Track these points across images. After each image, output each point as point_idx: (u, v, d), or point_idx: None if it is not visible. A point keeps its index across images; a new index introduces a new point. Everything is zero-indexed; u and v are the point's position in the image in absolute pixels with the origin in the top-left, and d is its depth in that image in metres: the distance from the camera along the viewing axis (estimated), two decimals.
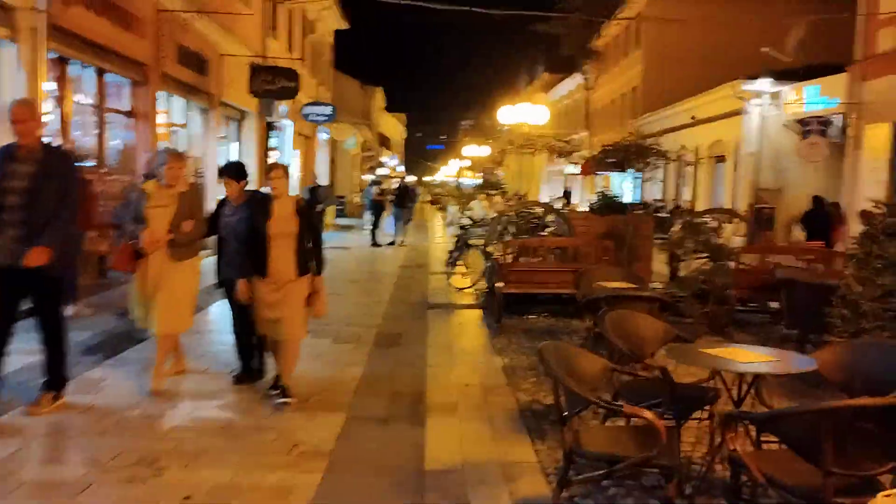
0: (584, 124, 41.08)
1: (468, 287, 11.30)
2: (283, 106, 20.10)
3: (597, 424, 4.41)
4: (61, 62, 9.33)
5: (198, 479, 3.96)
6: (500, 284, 7.99)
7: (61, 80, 9.37)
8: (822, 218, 12.95)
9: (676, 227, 10.10)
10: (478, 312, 9.40)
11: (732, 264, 8.58)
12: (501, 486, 3.93)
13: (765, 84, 20.13)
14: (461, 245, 11.86)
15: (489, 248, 10.22)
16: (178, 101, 13.43)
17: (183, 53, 12.80)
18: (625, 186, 35.27)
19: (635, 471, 3.70)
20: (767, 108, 20.49)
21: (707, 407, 4.00)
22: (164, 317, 5.37)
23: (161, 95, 12.35)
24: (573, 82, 44.20)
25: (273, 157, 19.84)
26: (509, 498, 3.79)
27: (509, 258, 8.36)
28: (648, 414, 3.15)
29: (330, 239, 20.92)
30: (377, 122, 49.76)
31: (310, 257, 5.27)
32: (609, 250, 10.16)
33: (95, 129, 10.49)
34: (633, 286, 6.25)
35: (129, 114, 11.34)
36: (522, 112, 22.56)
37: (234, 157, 17.60)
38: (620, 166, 33.12)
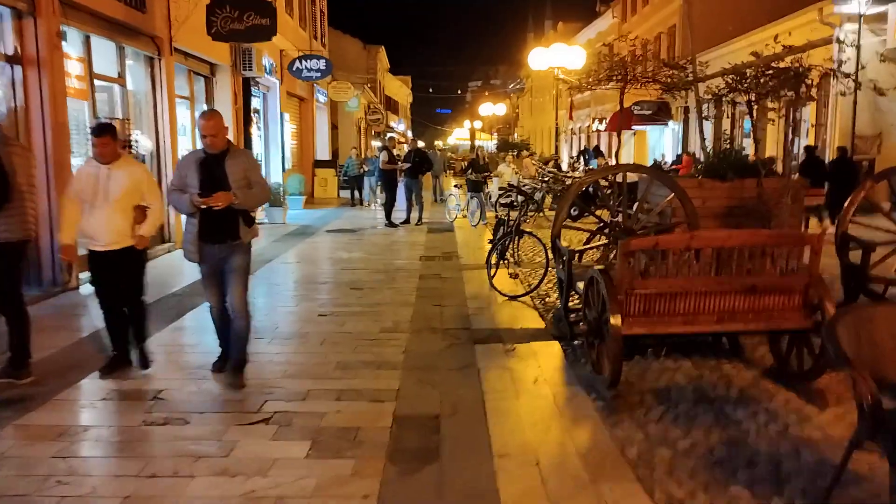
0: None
1: (523, 295, 7.70)
2: (265, 58, 16.34)
3: None
4: None
5: None
6: (616, 323, 4.35)
7: None
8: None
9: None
10: (554, 349, 5.81)
11: None
12: None
13: (862, 4, 16.10)
14: (510, 231, 8.14)
15: (560, 240, 6.57)
16: (105, 46, 9.75)
17: None
18: (664, 142, 31.32)
19: None
20: (864, 35, 16.48)
21: None
22: None
23: (72, 35, 8.70)
24: (596, 28, 39.87)
25: (255, 122, 16.16)
26: None
27: (625, 271, 4.61)
28: None
29: (332, 219, 17.44)
30: (382, 83, 45.77)
31: None
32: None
33: None
34: None
35: (10, 59, 7.69)
36: (556, 55, 18.62)
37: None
38: (662, 118, 29.02)
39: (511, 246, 8.29)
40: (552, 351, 5.77)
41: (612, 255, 6.59)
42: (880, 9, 15.95)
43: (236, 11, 11.63)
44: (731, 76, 8.07)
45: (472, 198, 15.02)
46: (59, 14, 8.10)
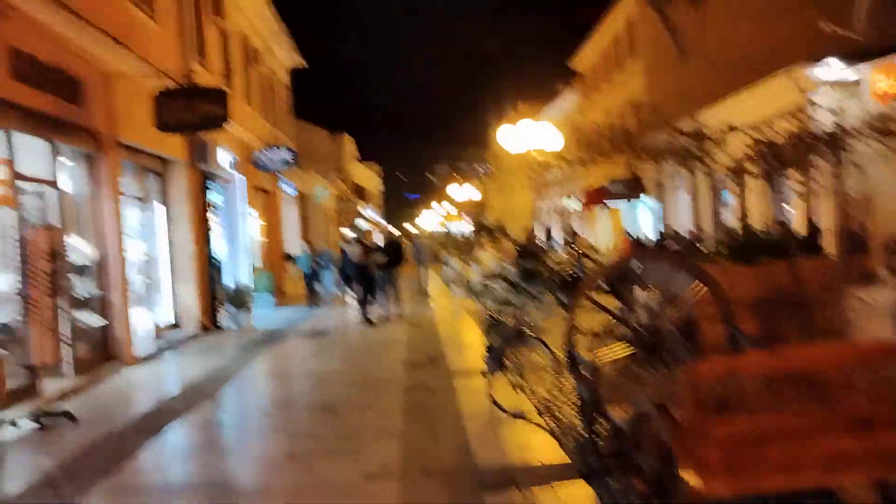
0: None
1: (531, 415, 6.41)
2: (225, 151, 15.34)
3: None
4: None
5: None
6: (693, 481, 3.08)
7: None
8: None
9: None
10: (583, 493, 4.52)
11: None
12: None
13: (837, 69, 15.68)
14: (510, 336, 6.89)
15: (575, 347, 5.36)
16: (32, 144, 8.58)
17: (29, 66, 8.04)
18: (640, 217, 30.69)
19: None
20: (840, 99, 16.00)
21: None
22: None
23: None
24: (559, 107, 39.96)
25: (216, 218, 14.98)
26: None
27: (694, 407, 3.30)
28: None
29: (302, 319, 16.07)
30: (350, 172, 45.24)
31: None
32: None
33: None
34: None
35: None
36: (530, 136, 17.90)
37: (157, 222, 12.75)
38: (635, 192, 28.32)
39: (512, 353, 7.04)
40: (582, 496, 4.48)
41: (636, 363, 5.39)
42: (856, 71, 15.54)
43: (186, 100, 10.63)
44: (752, 144, 7.13)
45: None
46: None
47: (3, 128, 7.79)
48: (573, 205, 36.40)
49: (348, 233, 31.80)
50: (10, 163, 7.97)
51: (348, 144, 44.58)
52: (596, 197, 30.44)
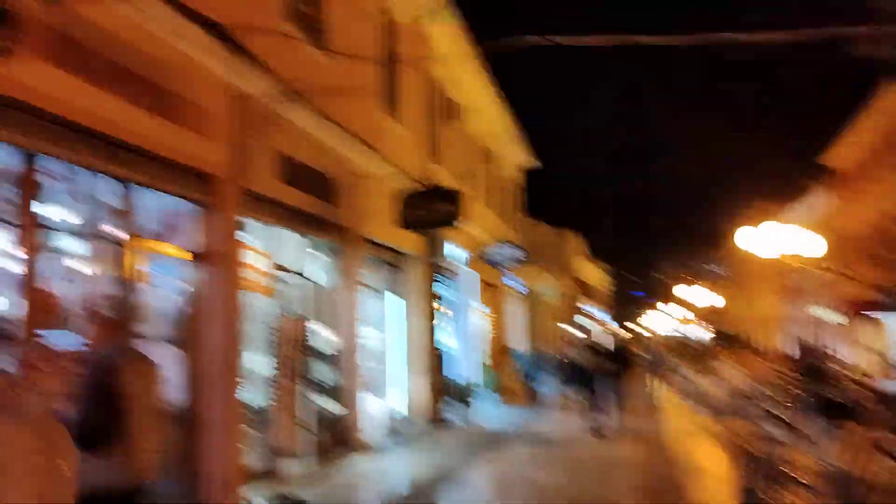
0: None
1: None
2: (457, 247, 15.70)
3: None
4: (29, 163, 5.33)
5: None
6: None
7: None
8: None
9: None
10: None
11: None
12: None
13: None
14: (774, 476, 5.74)
15: None
16: (287, 237, 9.25)
17: (292, 168, 8.76)
18: None
19: None
20: None
21: None
22: None
23: (253, 226, 8.19)
24: (810, 207, 36.40)
25: (447, 311, 15.23)
26: None
27: None
28: None
29: (527, 422, 15.39)
30: (577, 269, 44.77)
31: None
32: None
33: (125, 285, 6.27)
34: None
35: (187, 253, 7.15)
36: (781, 238, 16.23)
37: (390, 313, 13.16)
38: None
39: (776, 496, 5.89)
40: None
41: None
42: None
43: (424, 199, 11.01)
44: None
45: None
46: (242, 206, 7.60)
47: (268, 223, 8.46)
48: (831, 316, 32.43)
49: (574, 331, 31.02)
50: (269, 255, 8.63)
51: (575, 241, 44.33)
52: (860, 307, 26.92)
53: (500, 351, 21.34)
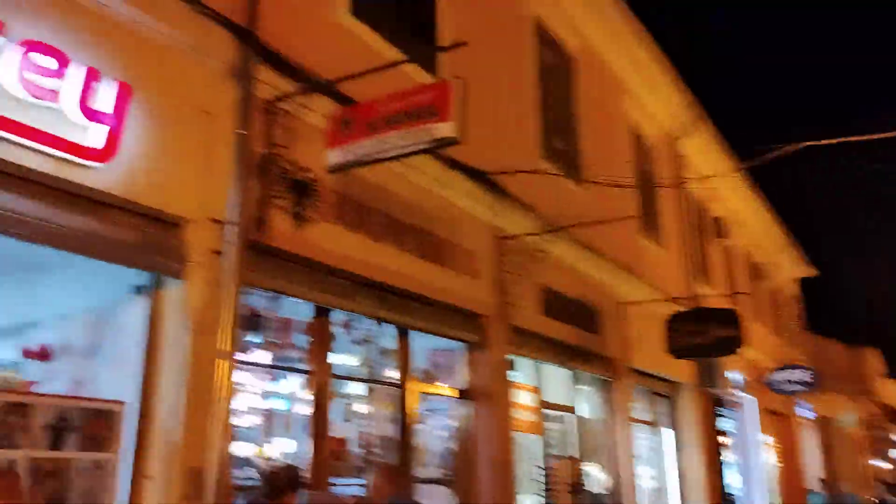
0: None
1: None
2: (734, 373, 14.31)
3: None
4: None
5: None
6: None
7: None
8: None
9: None
10: None
11: None
12: None
13: None
14: None
15: None
16: (555, 372, 9.02)
17: (556, 301, 8.67)
18: None
19: None
20: None
21: None
22: None
23: (520, 363, 8.11)
24: None
25: (727, 445, 13.70)
26: None
27: None
28: None
29: None
30: (879, 391, 38.59)
31: None
32: None
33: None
34: None
35: (467, 394, 7.21)
36: None
37: (664, 448, 12.14)
38: None
39: None
40: None
41: None
42: None
43: (696, 323, 10.20)
44: None
45: None
46: (508, 343, 7.60)
47: (533, 358, 8.36)
48: None
49: (888, 467, 26.29)
50: (538, 391, 8.46)
51: (874, 359, 38.53)
52: None
53: (794, 490, 18.58)
